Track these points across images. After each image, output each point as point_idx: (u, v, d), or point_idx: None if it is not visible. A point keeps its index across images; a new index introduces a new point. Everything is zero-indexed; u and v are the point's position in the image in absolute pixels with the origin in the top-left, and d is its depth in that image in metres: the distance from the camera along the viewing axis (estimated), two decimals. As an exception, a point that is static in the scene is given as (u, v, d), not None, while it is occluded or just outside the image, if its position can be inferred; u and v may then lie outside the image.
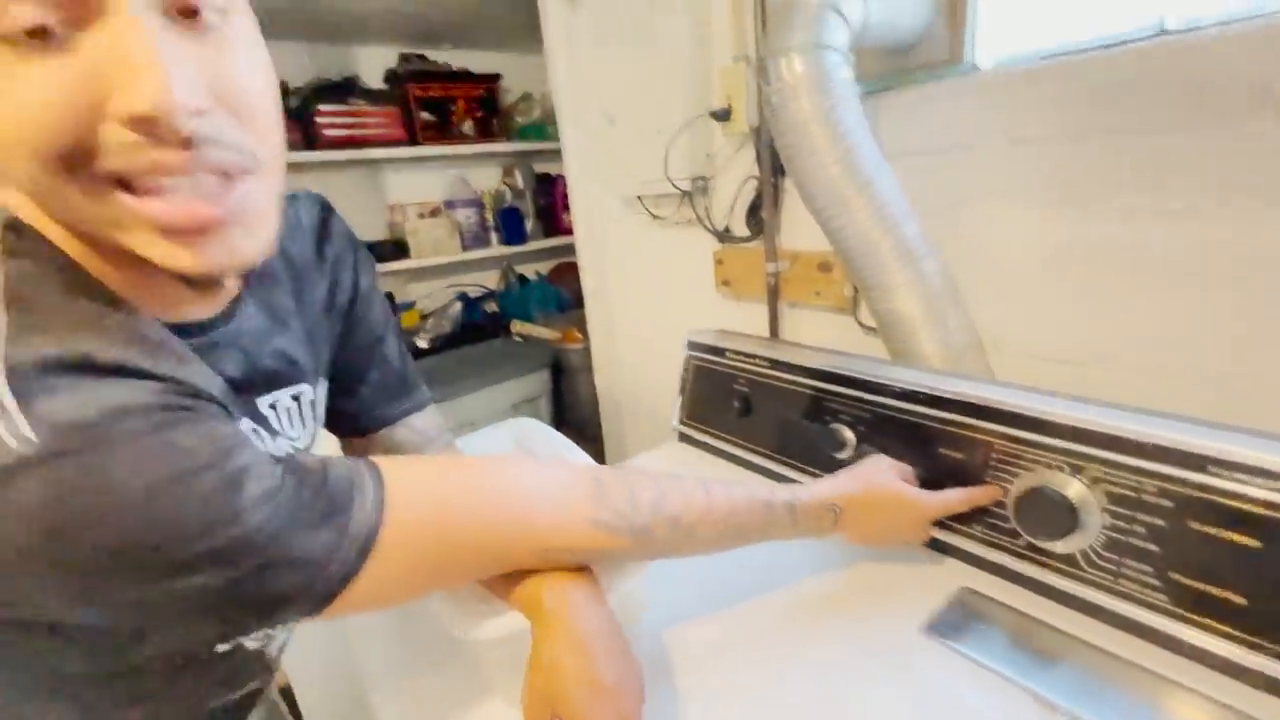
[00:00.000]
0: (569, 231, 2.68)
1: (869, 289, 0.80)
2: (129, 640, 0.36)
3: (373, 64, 2.25)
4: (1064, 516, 0.56)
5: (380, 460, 0.39)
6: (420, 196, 2.41)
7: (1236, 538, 0.48)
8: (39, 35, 0.27)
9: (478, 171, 2.58)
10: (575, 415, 2.28)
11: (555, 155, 2.61)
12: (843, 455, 0.73)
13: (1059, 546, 0.58)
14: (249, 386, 0.43)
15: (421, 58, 2.31)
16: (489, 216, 2.55)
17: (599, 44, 1.35)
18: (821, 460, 0.77)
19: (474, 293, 2.72)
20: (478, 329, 2.53)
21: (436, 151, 2.26)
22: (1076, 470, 0.57)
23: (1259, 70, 0.60)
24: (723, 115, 1.08)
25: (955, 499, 0.63)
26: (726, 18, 1.07)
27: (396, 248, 2.31)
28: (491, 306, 2.73)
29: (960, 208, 0.85)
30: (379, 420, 0.58)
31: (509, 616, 0.46)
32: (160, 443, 0.29)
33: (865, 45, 0.80)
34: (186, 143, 0.30)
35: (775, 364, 0.84)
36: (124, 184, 0.30)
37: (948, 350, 0.79)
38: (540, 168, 2.69)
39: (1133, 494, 0.53)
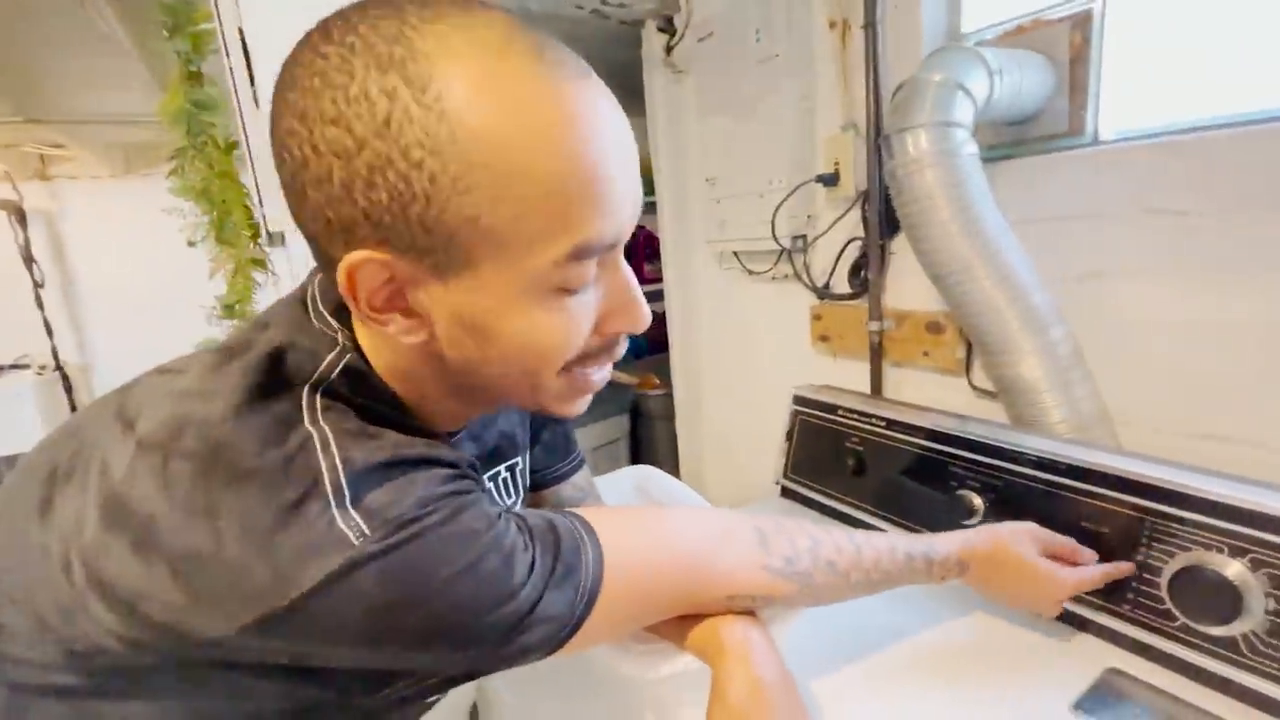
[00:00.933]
0: (650, 280, 2.78)
1: (991, 354, 0.81)
2: (378, 683, 0.41)
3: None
4: (1226, 599, 0.54)
5: (585, 514, 0.43)
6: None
7: None
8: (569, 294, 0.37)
9: (564, 223, 2.71)
10: (652, 461, 2.30)
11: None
12: (971, 522, 0.73)
13: (1218, 630, 0.56)
14: (479, 466, 0.49)
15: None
16: (573, 265, 2.66)
17: (702, 113, 1.43)
18: (944, 526, 0.77)
19: (554, 337, 2.82)
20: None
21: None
22: (1238, 552, 0.55)
23: None
24: (829, 180, 1.12)
25: (1090, 578, 0.61)
26: (834, 90, 1.13)
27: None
28: (570, 351, 2.82)
29: (1086, 277, 0.85)
30: (551, 478, 0.64)
31: (680, 659, 0.49)
32: (457, 532, 0.35)
33: (986, 118, 0.83)
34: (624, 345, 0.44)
35: (892, 424, 0.84)
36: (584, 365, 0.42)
37: (1075, 419, 0.78)
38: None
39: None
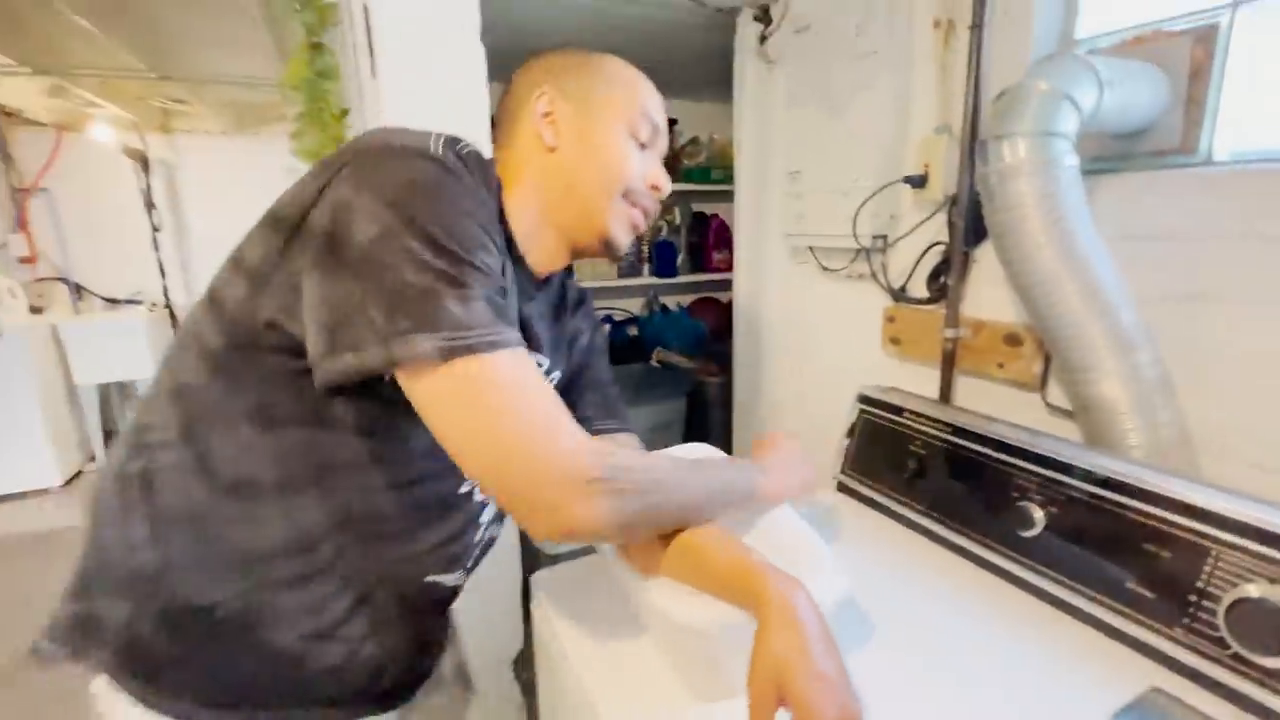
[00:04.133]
0: (717, 269, 2.80)
1: (1072, 371, 0.80)
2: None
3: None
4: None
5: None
6: (586, 224, 2.61)
7: None
8: (640, 145, 0.66)
9: (639, 205, 2.75)
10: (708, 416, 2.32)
11: (714, 196, 2.75)
12: (1028, 534, 0.73)
13: (1272, 662, 0.55)
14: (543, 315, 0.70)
15: (606, 100, 2.51)
16: (644, 248, 2.70)
17: (791, 104, 1.43)
18: (1001, 534, 0.77)
19: (618, 316, 2.88)
20: (617, 350, 2.67)
21: (608, 185, 2.45)
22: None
23: None
24: (917, 182, 1.11)
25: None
26: (931, 91, 1.11)
27: (560, 269, 2.50)
28: (632, 330, 2.87)
29: (1185, 299, 0.82)
30: (604, 433, 0.73)
31: (722, 609, 0.53)
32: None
33: (1092, 129, 0.81)
34: (659, 202, 0.69)
35: (960, 430, 0.85)
36: (631, 203, 0.66)
37: (1153, 444, 0.77)
38: (697, 207, 2.82)
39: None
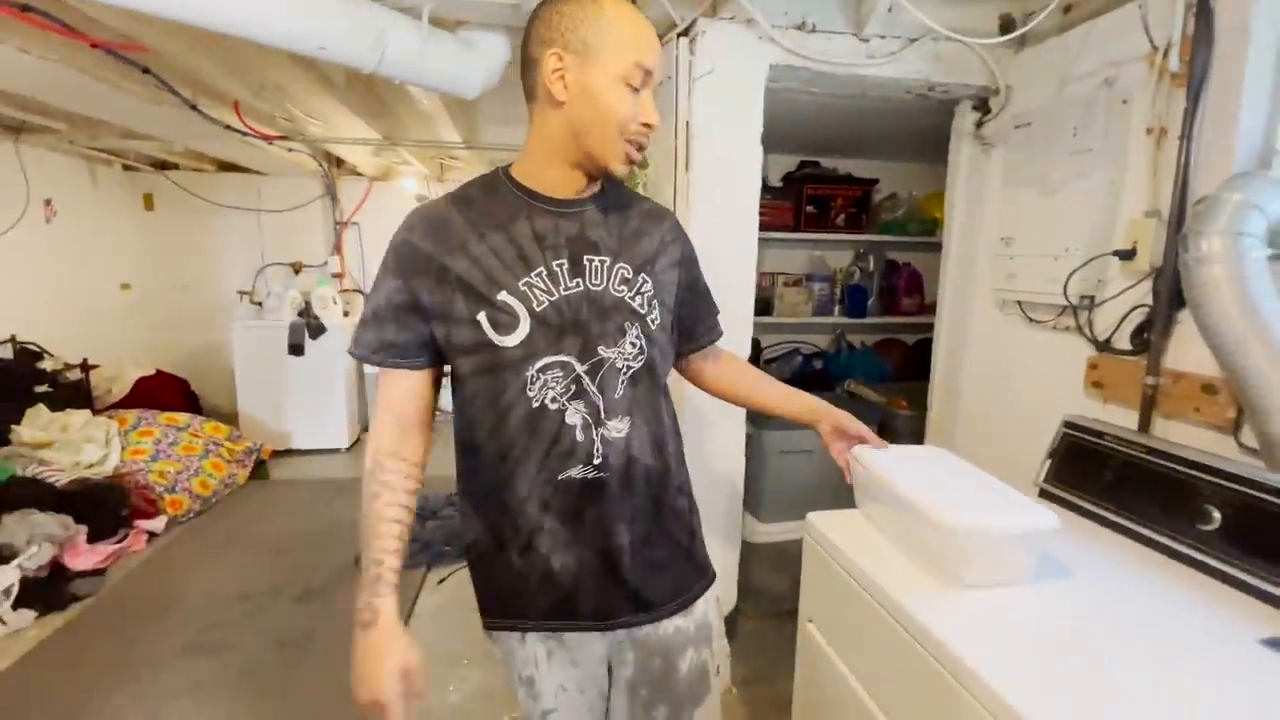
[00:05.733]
0: (905, 313, 3.05)
1: (1258, 413, 1.03)
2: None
3: (776, 168, 2.92)
4: None
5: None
6: (788, 268, 3.00)
7: None
8: (633, 89, 0.80)
9: (835, 252, 3.09)
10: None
11: (907, 247, 3.01)
12: (1206, 527, 0.98)
13: None
14: (563, 243, 0.85)
15: (815, 164, 2.91)
16: (837, 290, 3.03)
17: (1007, 183, 1.72)
18: (1175, 530, 1.01)
19: (806, 350, 3.21)
20: (805, 380, 3.00)
21: (810, 237, 2.82)
22: None
23: None
24: (1126, 255, 1.36)
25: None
26: (1142, 182, 1.36)
27: (763, 305, 2.91)
28: (818, 364, 3.19)
29: (1364, 363, 1.02)
30: (703, 344, 1.04)
31: (975, 519, 0.87)
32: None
33: (1283, 228, 1.05)
34: (648, 136, 0.83)
35: (1152, 450, 1.10)
36: (626, 140, 0.81)
37: (1329, 474, 0.97)
38: (891, 255, 3.09)
39: None
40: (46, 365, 3.41)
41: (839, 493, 1.18)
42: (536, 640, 0.88)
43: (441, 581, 2.57)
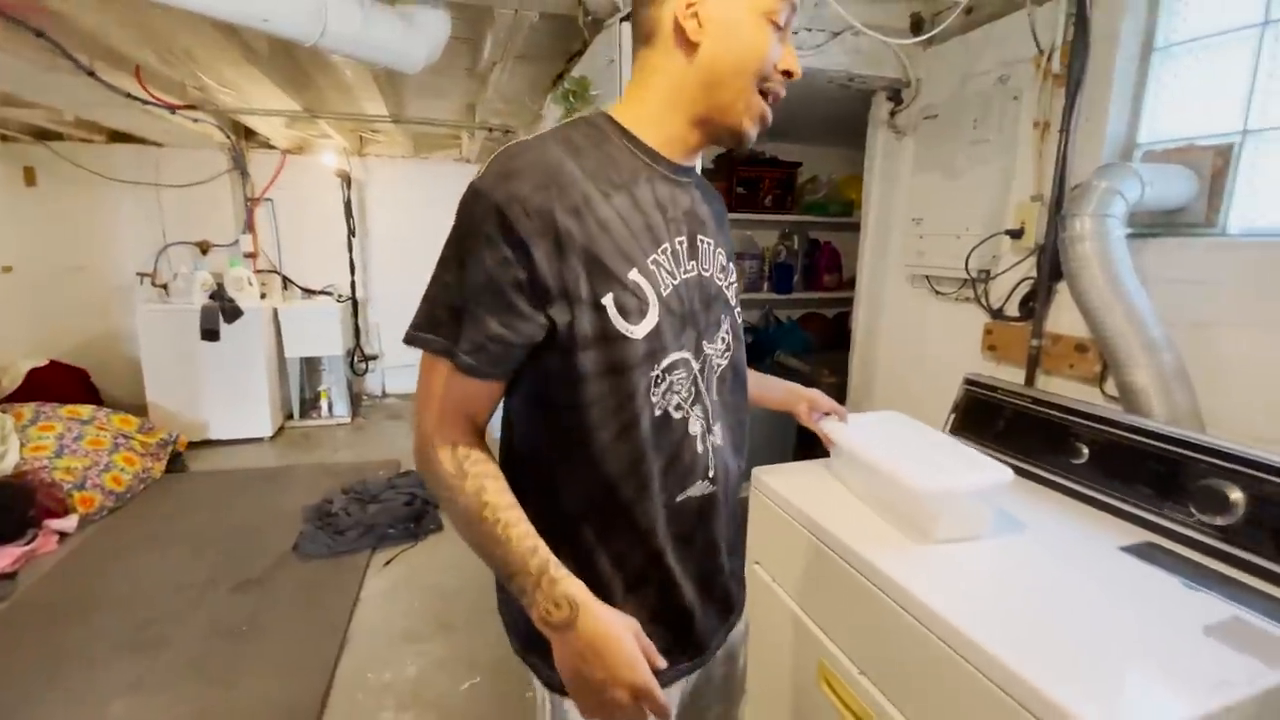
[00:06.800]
0: (827, 289, 3.26)
1: (1118, 366, 1.24)
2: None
3: (709, 150, 3.02)
4: (1224, 505, 0.97)
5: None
6: (719, 246, 3.14)
7: None
8: (777, 29, 0.66)
9: (763, 232, 3.26)
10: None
11: (827, 226, 3.21)
12: (1077, 461, 1.18)
13: (1219, 520, 0.98)
14: (681, 217, 0.72)
15: (744, 145, 3.04)
16: (765, 267, 3.20)
17: (917, 169, 1.90)
18: (1053, 463, 1.21)
19: (737, 325, 3.38)
20: (739, 354, 3.16)
21: (739, 217, 2.97)
22: (1236, 478, 0.97)
23: None
24: (1015, 234, 1.56)
25: (654, 692, 0.60)
26: (1028, 170, 1.56)
27: (697, 282, 3.03)
28: (749, 339, 3.37)
29: (1199, 325, 1.24)
30: None
31: (949, 481, 1.01)
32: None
33: (1141, 209, 1.25)
34: (784, 92, 0.70)
35: (1036, 400, 1.30)
36: (762, 94, 0.68)
37: (1170, 414, 1.19)
38: (813, 235, 3.29)
39: (1269, 496, 0.93)
40: (-82, 357, 3.08)
41: (783, 456, 1.31)
42: None
43: (387, 563, 2.57)
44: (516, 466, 0.72)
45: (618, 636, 0.60)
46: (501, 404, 0.72)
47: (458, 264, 0.64)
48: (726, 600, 0.82)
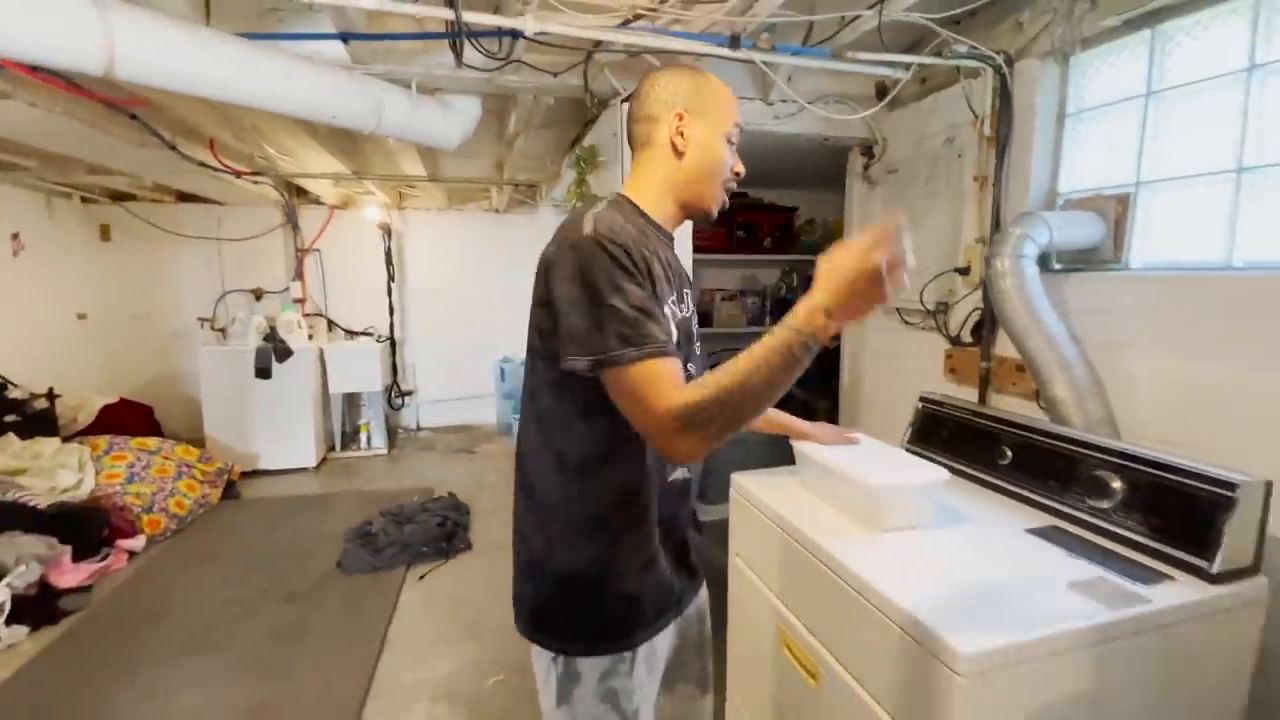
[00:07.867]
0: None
1: (1042, 381, 1.45)
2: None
3: (711, 196, 3.33)
4: (1106, 491, 1.17)
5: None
6: (724, 285, 3.41)
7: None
8: (730, 144, 0.96)
9: (765, 271, 3.52)
10: (813, 459, 2.98)
11: (824, 264, 3.45)
12: (1003, 462, 1.38)
13: (1104, 504, 1.18)
14: (678, 275, 0.97)
15: (744, 194, 3.34)
16: (767, 303, 3.46)
17: (884, 215, 2.16)
18: (989, 469, 1.42)
19: (743, 358, 3.62)
20: (744, 384, 3.39)
21: (742, 258, 3.24)
22: (1117, 470, 1.17)
23: None
24: (964, 271, 1.80)
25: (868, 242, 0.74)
26: (972, 217, 1.80)
27: (703, 318, 3.30)
28: (755, 370, 3.60)
29: (1110, 346, 1.46)
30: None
31: (895, 477, 1.23)
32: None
33: (1054, 249, 1.48)
34: (735, 185, 1.00)
35: (976, 414, 1.51)
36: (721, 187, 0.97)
37: (1085, 422, 1.40)
38: (811, 273, 3.54)
39: (1138, 481, 1.13)
40: (13, 395, 3.49)
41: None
42: (642, 660, 0.95)
43: (421, 578, 2.81)
44: (566, 474, 0.90)
45: (835, 264, 0.77)
46: (537, 423, 0.93)
47: (613, 289, 0.79)
48: (692, 568, 1.06)
